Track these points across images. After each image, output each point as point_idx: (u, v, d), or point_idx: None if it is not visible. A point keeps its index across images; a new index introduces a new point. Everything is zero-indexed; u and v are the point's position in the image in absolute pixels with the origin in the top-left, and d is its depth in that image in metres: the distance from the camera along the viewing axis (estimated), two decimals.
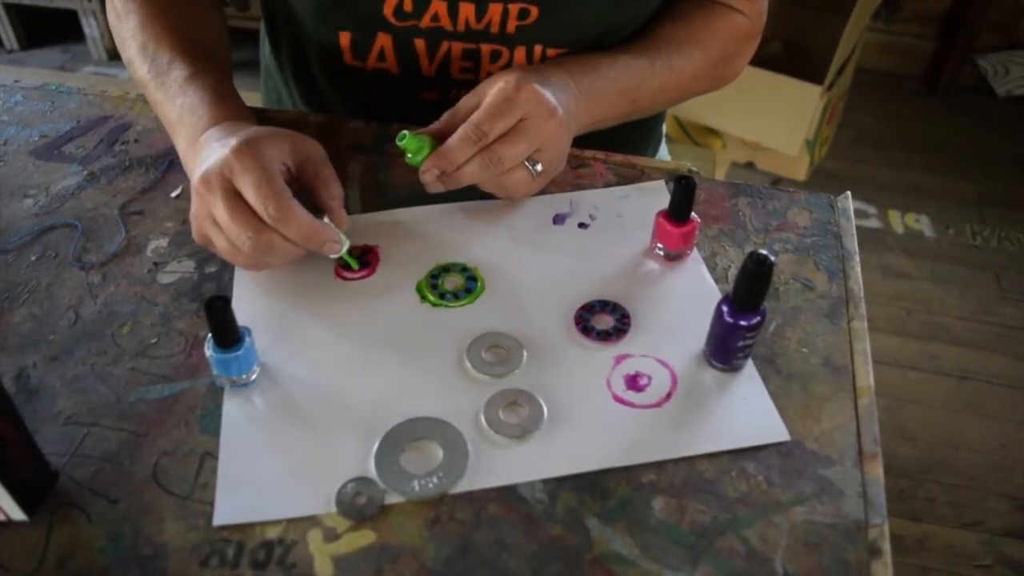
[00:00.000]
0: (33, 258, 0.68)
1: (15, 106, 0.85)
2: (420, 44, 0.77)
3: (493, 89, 0.66)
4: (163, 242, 0.69)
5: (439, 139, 0.66)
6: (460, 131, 0.64)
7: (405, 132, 0.65)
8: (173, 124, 0.69)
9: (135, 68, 0.74)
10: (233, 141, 0.60)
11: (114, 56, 2.74)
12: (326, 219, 0.63)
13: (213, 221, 0.61)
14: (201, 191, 0.60)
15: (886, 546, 0.50)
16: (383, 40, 0.76)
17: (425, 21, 0.74)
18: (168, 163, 0.77)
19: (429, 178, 0.66)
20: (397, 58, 0.78)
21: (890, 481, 0.53)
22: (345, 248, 0.64)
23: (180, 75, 0.70)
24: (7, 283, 0.66)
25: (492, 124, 0.64)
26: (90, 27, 2.67)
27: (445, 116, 0.69)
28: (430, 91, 0.81)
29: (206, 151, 0.62)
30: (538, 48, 0.76)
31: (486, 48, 0.76)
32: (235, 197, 0.59)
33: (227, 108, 0.67)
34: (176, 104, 0.69)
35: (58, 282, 0.66)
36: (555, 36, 0.75)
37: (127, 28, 0.75)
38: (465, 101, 0.68)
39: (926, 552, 1.47)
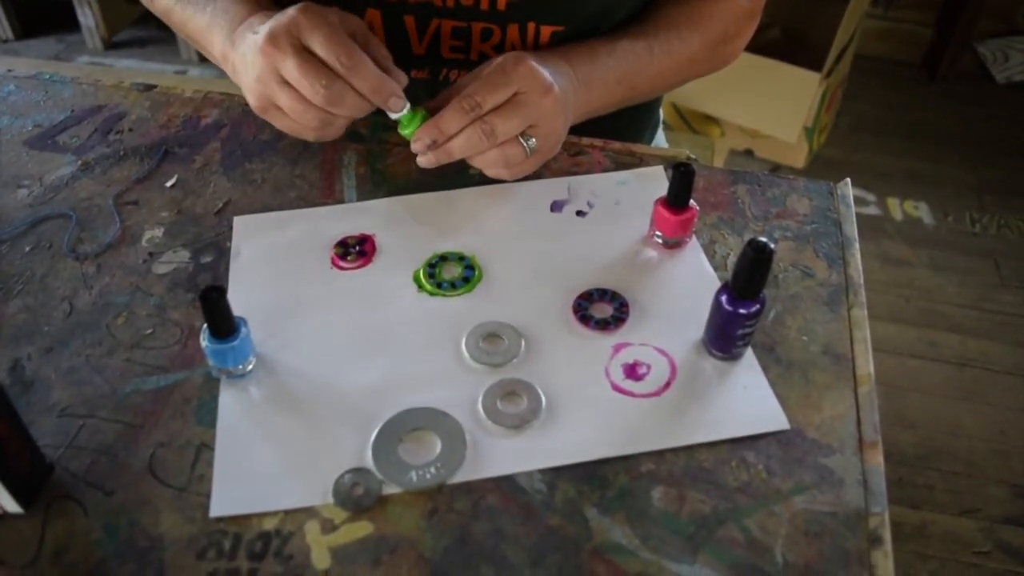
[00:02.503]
0: (27, 249, 0.67)
1: (8, 96, 0.84)
2: (409, 21, 0.76)
3: (490, 64, 0.66)
4: (158, 232, 0.69)
5: (434, 114, 0.66)
6: (453, 102, 0.64)
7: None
8: (204, 30, 0.71)
9: (159, 2, 0.76)
10: (290, 9, 0.62)
11: (109, 46, 2.73)
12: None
13: (280, 80, 0.62)
14: (268, 50, 0.61)
15: (887, 535, 0.49)
16: (372, 16, 0.76)
17: None
18: (163, 153, 0.76)
19: (420, 147, 0.66)
20: (386, 35, 0.77)
21: (889, 469, 0.53)
22: (407, 107, 0.65)
23: None
24: (1, 274, 0.65)
25: (486, 95, 0.63)
26: (85, 16, 2.66)
27: (444, 94, 0.69)
28: (419, 70, 0.80)
29: (250, 34, 0.64)
30: (531, 26, 0.75)
31: (477, 26, 0.75)
32: (305, 52, 0.61)
33: (258, 3, 0.69)
34: (207, 12, 0.71)
35: (52, 273, 0.65)
36: (548, 14, 0.74)
37: None
38: (463, 81, 0.68)
39: (925, 539, 1.47)
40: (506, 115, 0.64)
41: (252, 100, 0.66)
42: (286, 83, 0.62)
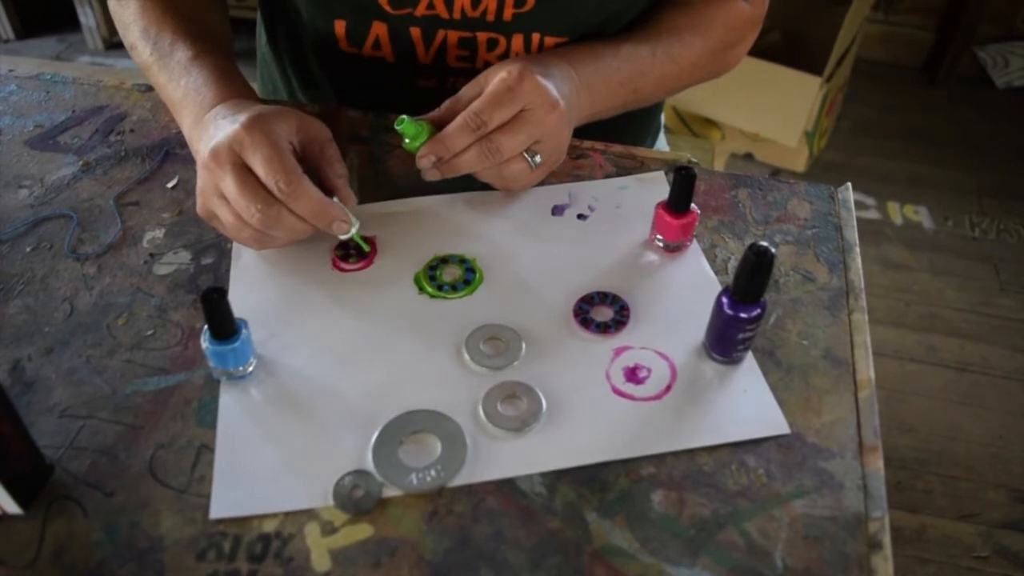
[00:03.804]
0: (28, 249, 0.67)
1: (9, 96, 0.84)
2: (416, 32, 0.76)
3: (495, 78, 0.65)
4: (159, 233, 0.69)
5: (438, 127, 0.66)
6: (460, 118, 0.64)
7: (404, 117, 0.65)
8: (177, 105, 0.69)
9: (137, 52, 0.74)
10: (243, 117, 0.60)
11: (110, 46, 2.73)
12: (335, 199, 0.63)
13: (220, 195, 0.60)
14: (210, 165, 0.60)
15: (886, 539, 0.49)
16: (378, 29, 0.76)
17: (420, 9, 0.74)
18: (164, 154, 0.77)
19: (426, 164, 0.66)
20: (393, 46, 0.78)
21: (888, 473, 0.53)
22: (355, 229, 0.63)
23: (183, 56, 0.69)
24: (2, 274, 0.65)
25: (492, 113, 0.63)
26: (86, 16, 2.66)
27: (446, 104, 0.69)
28: (426, 79, 0.80)
29: (212, 128, 0.62)
30: (535, 36, 0.76)
31: (482, 36, 0.76)
32: (245, 171, 0.59)
33: (231, 87, 0.67)
34: (180, 85, 0.68)
35: (53, 273, 0.65)
36: (553, 24, 0.75)
37: (128, 13, 0.74)
38: (466, 90, 0.68)
39: (924, 543, 1.47)
40: (512, 132, 0.64)
41: (198, 207, 0.64)
42: (226, 198, 0.60)
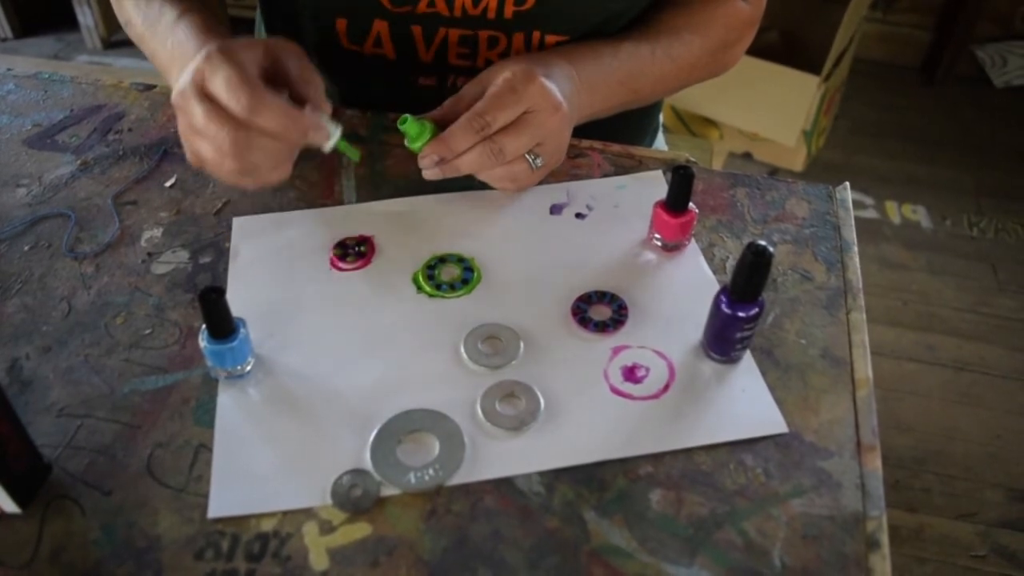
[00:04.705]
0: (26, 248, 0.67)
1: (8, 95, 0.84)
2: (417, 30, 0.76)
3: (498, 79, 0.65)
4: (157, 232, 0.69)
5: (440, 126, 0.66)
6: (463, 119, 0.64)
7: (407, 116, 0.65)
8: (166, 67, 0.69)
9: (133, 27, 0.74)
10: (205, 51, 0.58)
11: (108, 45, 2.72)
12: (306, 109, 0.60)
13: (196, 132, 0.59)
14: (179, 104, 0.59)
15: (884, 538, 0.49)
16: (379, 26, 0.76)
17: (421, 7, 0.73)
18: (162, 153, 0.76)
19: (428, 163, 0.65)
20: (394, 44, 0.77)
21: (886, 472, 0.53)
22: (336, 136, 0.61)
23: (169, 18, 0.69)
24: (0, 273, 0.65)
25: (496, 114, 0.63)
26: (84, 16, 2.65)
27: (448, 103, 0.69)
28: (427, 77, 0.80)
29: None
30: (536, 35, 0.76)
31: (483, 34, 0.76)
32: (209, 99, 0.57)
33: (214, 39, 0.65)
34: (167, 47, 0.68)
35: (51, 272, 0.65)
36: (553, 23, 0.75)
37: None
38: (468, 89, 0.68)
39: (922, 543, 1.47)
40: (515, 134, 0.64)
41: (186, 155, 0.62)
42: (201, 134, 0.59)
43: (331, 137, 0.61)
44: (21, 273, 0.65)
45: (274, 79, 0.62)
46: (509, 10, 0.73)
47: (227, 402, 0.56)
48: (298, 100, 0.61)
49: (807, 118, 2.16)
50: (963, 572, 1.44)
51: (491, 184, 0.70)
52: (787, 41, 2.22)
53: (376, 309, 0.63)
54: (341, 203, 0.72)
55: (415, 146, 0.66)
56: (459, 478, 0.52)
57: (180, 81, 0.59)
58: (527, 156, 0.66)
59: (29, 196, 0.72)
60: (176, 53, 0.67)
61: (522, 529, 0.50)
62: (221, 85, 0.56)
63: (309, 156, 0.76)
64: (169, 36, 0.68)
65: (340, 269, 0.66)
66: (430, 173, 0.66)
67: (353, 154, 0.65)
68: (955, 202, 2.23)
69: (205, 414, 0.56)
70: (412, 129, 0.65)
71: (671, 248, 0.67)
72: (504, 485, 0.52)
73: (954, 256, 2.06)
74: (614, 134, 0.81)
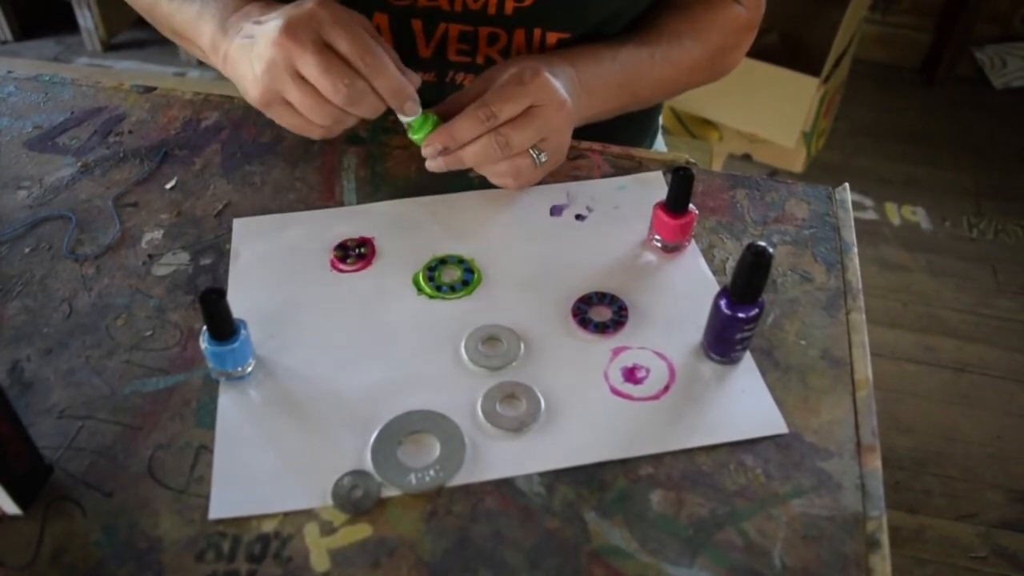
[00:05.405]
0: (27, 250, 0.67)
1: (8, 97, 0.84)
2: (417, 24, 0.76)
3: (505, 74, 0.65)
4: (158, 234, 0.69)
5: (444, 120, 0.66)
6: (469, 109, 0.64)
7: None
8: (192, 22, 0.69)
9: (160, 7, 0.74)
10: (308, 2, 0.60)
11: (108, 48, 2.72)
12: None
13: (295, 75, 0.60)
14: (284, 42, 0.59)
15: (884, 539, 0.50)
16: (379, 19, 0.76)
17: (422, 1, 0.73)
18: (163, 155, 0.77)
19: (431, 153, 0.65)
20: (393, 38, 0.77)
21: (886, 473, 0.53)
22: (420, 111, 0.64)
23: None
24: (0, 275, 0.65)
25: (502, 106, 0.63)
26: (84, 18, 2.65)
27: (450, 99, 0.69)
28: (426, 72, 0.80)
29: (248, 24, 0.62)
30: (537, 32, 0.76)
31: (484, 31, 0.76)
32: (326, 48, 0.59)
33: None
34: (195, 2, 0.69)
35: (52, 274, 0.65)
36: (554, 20, 0.75)
37: None
38: (472, 86, 0.68)
39: (922, 544, 1.47)
40: (521, 127, 0.64)
41: (255, 92, 0.63)
42: (301, 78, 0.60)
43: (418, 111, 0.64)
44: (22, 275, 0.65)
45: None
46: (510, 6, 0.73)
47: (228, 403, 0.56)
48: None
49: (807, 119, 2.16)
50: (963, 573, 1.44)
51: (492, 180, 0.69)
52: (787, 42, 2.22)
53: (377, 310, 0.63)
54: (341, 204, 0.72)
55: (417, 137, 0.66)
56: (460, 479, 0.52)
57: (286, 17, 0.59)
58: (531, 151, 0.66)
59: (30, 198, 0.72)
60: (209, 7, 0.67)
61: (523, 530, 0.50)
62: (346, 38, 0.59)
63: (309, 158, 0.76)
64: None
65: (341, 271, 0.66)
66: (433, 164, 0.66)
67: (426, 127, 0.65)
68: (955, 203, 2.23)
69: (206, 415, 0.56)
70: (415, 119, 0.65)
71: (671, 249, 0.67)
72: (505, 486, 0.52)
73: (954, 257, 2.06)
74: (614, 135, 0.81)
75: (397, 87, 0.61)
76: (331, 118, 0.62)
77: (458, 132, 0.64)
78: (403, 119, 0.65)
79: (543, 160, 0.67)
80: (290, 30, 0.59)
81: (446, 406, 0.56)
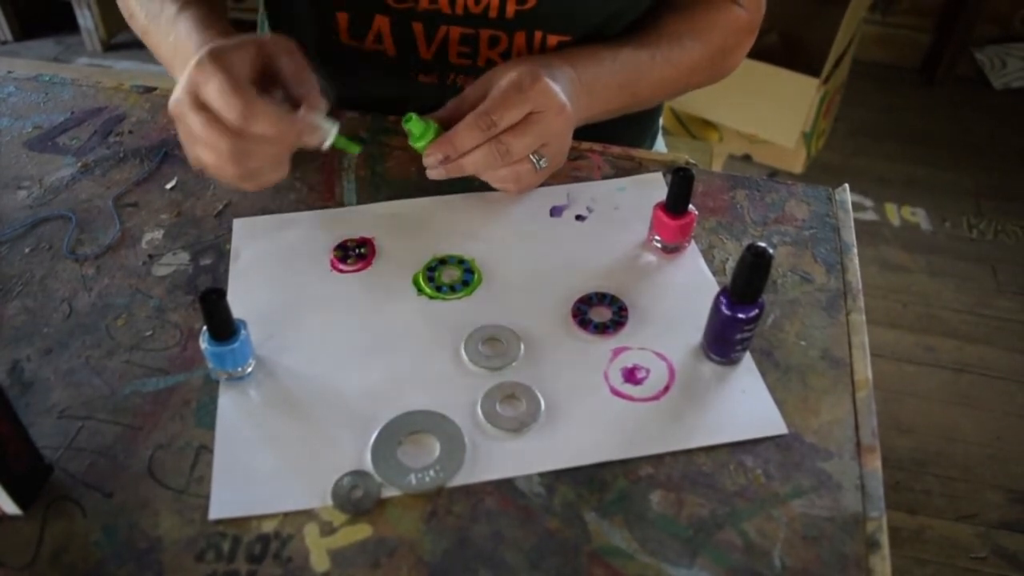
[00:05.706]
0: (27, 250, 0.67)
1: (8, 97, 0.84)
2: (418, 27, 0.76)
3: (503, 80, 0.65)
4: (158, 234, 0.69)
5: (444, 127, 0.66)
6: (468, 118, 0.64)
7: (412, 115, 0.65)
8: (168, 63, 0.69)
9: (136, 21, 0.74)
10: (196, 58, 0.58)
11: (108, 48, 2.73)
12: (301, 111, 0.61)
13: (195, 140, 0.60)
14: (177, 114, 0.59)
15: (884, 539, 0.50)
16: (380, 22, 0.76)
17: (423, 3, 0.74)
18: (163, 155, 0.77)
19: (432, 162, 0.65)
20: (394, 41, 0.78)
21: (886, 473, 0.53)
22: (333, 134, 0.62)
23: (169, 13, 0.69)
24: (0, 275, 0.65)
25: (502, 113, 0.63)
26: (84, 18, 2.65)
27: (451, 104, 0.69)
28: (427, 75, 0.80)
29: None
30: (538, 34, 0.76)
31: (485, 33, 0.76)
32: (204, 109, 0.58)
33: (213, 34, 0.65)
34: (169, 41, 0.68)
35: (52, 274, 0.65)
36: (555, 23, 0.75)
37: None
38: (471, 91, 0.68)
39: (922, 544, 1.47)
40: (521, 134, 0.64)
41: (189, 160, 0.63)
42: (200, 142, 0.60)
43: (328, 137, 0.62)
44: (22, 275, 0.65)
45: (269, 78, 0.62)
46: (511, 9, 0.73)
47: (228, 403, 0.56)
48: (293, 99, 0.62)
49: (807, 120, 2.16)
50: (963, 573, 1.44)
51: (493, 185, 0.70)
52: (787, 43, 2.23)
53: (376, 311, 0.63)
54: (342, 205, 0.72)
55: (419, 145, 0.66)
56: (460, 479, 0.52)
57: (176, 90, 0.59)
58: (531, 157, 0.66)
59: (30, 198, 0.72)
60: (177, 49, 0.67)
61: (523, 530, 0.50)
62: (214, 94, 0.57)
63: (310, 158, 0.76)
64: (171, 31, 0.68)
65: (340, 271, 0.66)
66: (434, 173, 0.66)
67: (353, 148, 0.66)
68: (954, 204, 2.23)
69: (206, 415, 0.56)
70: (416, 128, 0.65)
71: (671, 250, 0.67)
72: (505, 486, 0.52)
73: (953, 258, 2.06)
74: (614, 136, 0.81)
75: (279, 128, 0.58)
76: (240, 177, 0.61)
77: (459, 141, 0.64)
78: (407, 126, 0.65)
79: (543, 165, 0.67)
80: (176, 102, 0.59)
81: (446, 406, 0.56)
